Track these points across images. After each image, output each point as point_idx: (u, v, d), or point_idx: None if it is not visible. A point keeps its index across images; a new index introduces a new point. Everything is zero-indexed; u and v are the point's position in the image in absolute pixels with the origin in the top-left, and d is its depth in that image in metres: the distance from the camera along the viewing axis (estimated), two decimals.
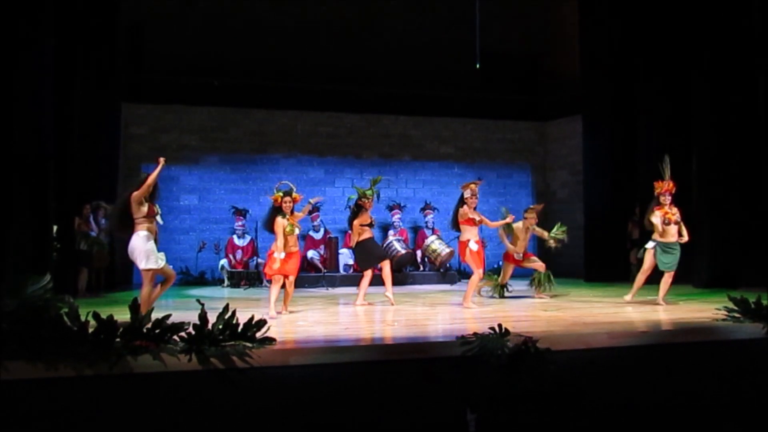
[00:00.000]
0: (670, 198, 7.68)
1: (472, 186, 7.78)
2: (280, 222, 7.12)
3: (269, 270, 7.21)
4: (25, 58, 6.82)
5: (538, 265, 8.95)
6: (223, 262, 11.90)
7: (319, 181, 12.97)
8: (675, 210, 7.70)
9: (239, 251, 11.85)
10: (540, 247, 13.49)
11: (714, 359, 5.31)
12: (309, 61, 12.83)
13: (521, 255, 8.84)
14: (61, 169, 8.28)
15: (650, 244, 7.77)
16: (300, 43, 12.83)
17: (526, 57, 14.18)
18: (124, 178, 12.12)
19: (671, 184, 7.70)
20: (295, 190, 7.37)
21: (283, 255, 7.08)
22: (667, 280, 7.72)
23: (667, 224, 7.64)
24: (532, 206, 9.19)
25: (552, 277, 8.97)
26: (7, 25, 6.49)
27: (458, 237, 8.02)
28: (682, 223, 7.73)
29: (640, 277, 7.91)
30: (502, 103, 14.08)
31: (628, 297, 7.94)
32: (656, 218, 7.68)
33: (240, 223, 11.93)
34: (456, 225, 7.85)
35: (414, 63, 13.12)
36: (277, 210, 7.22)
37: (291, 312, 7.28)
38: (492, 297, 8.97)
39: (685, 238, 7.73)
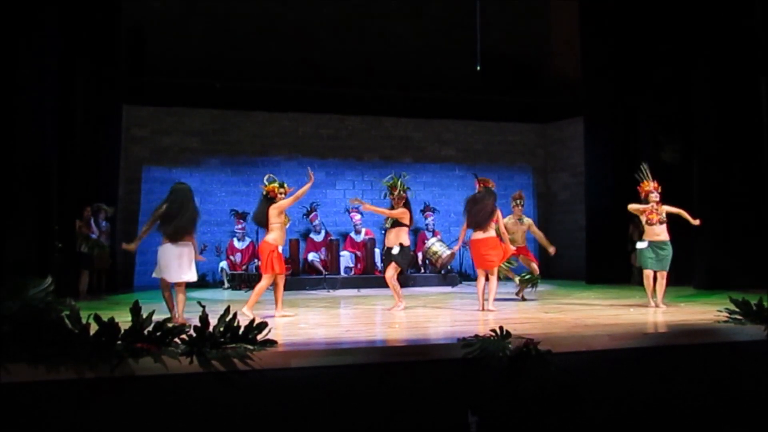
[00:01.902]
0: (657, 197, 7.67)
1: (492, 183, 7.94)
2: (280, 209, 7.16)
3: (282, 265, 7.17)
4: (27, 61, 6.83)
5: (533, 267, 8.97)
6: (223, 264, 11.91)
7: (320, 183, 12.96)
8: (662, 210, 7.67)
9: (239, 254, 11.87)
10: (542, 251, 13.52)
11: (715, 361, 5.30)
12: (310, 63, 12.83)
13: (514, 247, 8.78)
14: (62, 171, 8.29)
15: (642, 245, 7.74)
16: (301, 45, 12.84)
17: (527, 59, 14.19)
18: (125, 181, 12.15)
19: (655, 184, 7.70)
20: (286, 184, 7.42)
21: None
22: (661, 282, 7.65)
23: (650, 224, 7.64)
24: (512, 195, 9.10)
25: (537, 281, 9.03)
26: (9, 28, 6.50)
27: (465, 237, 7.95)
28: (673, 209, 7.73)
29: (648, 282, 7.72)
30: (503, 105, 14.09)
31: (650, 302, 7.66)
32: (635, 205, 7.71)
33: (240, 226, 11.94)
34: (487, 224, 7.69)
35: (415, 65, 13.13)
36: (270, 201, 7.20)
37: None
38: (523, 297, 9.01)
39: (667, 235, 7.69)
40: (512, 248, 8.71)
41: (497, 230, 7.93)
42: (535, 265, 8.99)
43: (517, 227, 8.86)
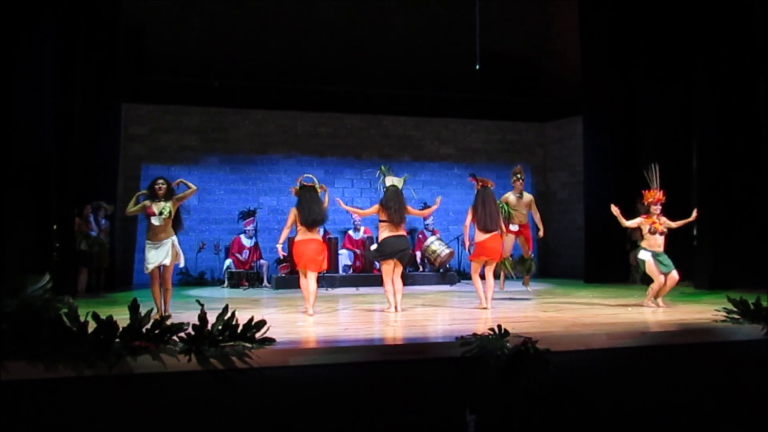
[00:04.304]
0: (660, 208, 7.59)
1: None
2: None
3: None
4: (26, 59, 6.84)
5: (526, 249, 8.92)
6: (229, 262, 11.84)
7: (319, 181, 12.95)
8: (664, 220, 7.58)
9: (246, 251, 11.82)
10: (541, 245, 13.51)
11: (713, 360, 5.31)
12: (309, 61, 12.83)
13: (517, 227, 8.71)
14: (61, 169, 8.29)
15: (645, 255, 7.61)
16: (300, 43, 12.84)
17: (526, 58, 14.18)
18: (125, 179, 12.14)
19: (661, 194, 7.61)
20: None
21: None
22: (673, 281, 7.57)
23: (652, 233, 7.56)
24: (512, 170, 8.95)
25: (532, 265, 9.11)
26: (8, 27, 6.50)
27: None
28: (670, 227, 7.64)
29: (655, 286, 7.59)
30: (502, 104, 14.08)
31: (647, 301, 7.61)
32: (637, 222, 7.70)
33: (251, 225, 11.90)
34: (497, 225, 7.79)
35: (414, 64, 13.12)
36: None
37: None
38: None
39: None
40: (515, 228, 8.64)
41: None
42: (528, 248, 8.93)
43: (519, 203, 8.67)
